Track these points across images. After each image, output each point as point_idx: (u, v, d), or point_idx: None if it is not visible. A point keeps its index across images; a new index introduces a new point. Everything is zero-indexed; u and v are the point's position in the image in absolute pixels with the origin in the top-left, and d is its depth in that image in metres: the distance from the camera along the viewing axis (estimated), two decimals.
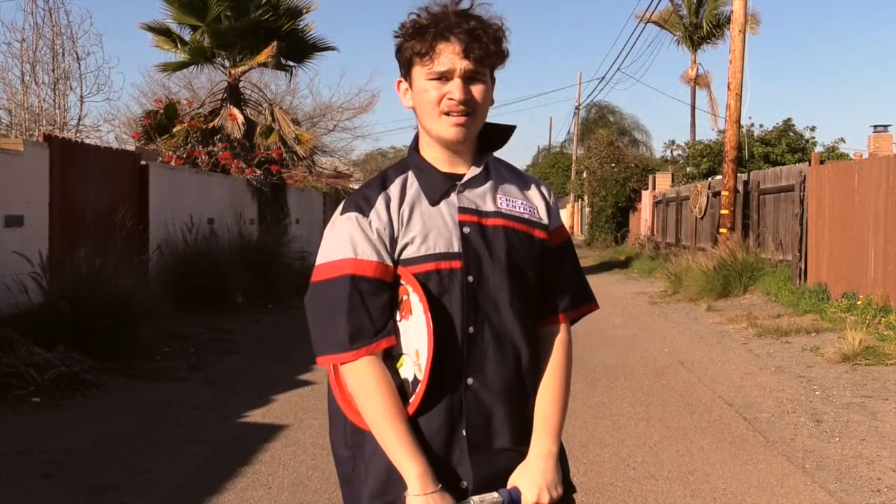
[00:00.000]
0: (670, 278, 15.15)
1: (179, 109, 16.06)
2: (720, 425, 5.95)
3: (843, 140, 22.14)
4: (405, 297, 1.80)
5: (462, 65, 1.80)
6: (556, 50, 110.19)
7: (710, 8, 33.27)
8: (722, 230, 15.45)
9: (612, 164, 29.75)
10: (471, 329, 1.81)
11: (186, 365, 7.99)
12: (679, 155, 27.20)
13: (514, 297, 1.85)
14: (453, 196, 1.86)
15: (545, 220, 1.94)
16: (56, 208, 9.16)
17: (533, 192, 1.96)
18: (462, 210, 1.84)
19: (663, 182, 26.58)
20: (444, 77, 1.81)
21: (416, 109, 1.88)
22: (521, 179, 1.98)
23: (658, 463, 5.06)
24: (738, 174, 16.01)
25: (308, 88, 53.06)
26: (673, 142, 47.18)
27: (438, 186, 1.86)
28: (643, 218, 27.80)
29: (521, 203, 1.92)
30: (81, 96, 13.72)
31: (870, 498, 4.49)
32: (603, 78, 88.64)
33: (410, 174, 1.88)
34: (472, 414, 1.81)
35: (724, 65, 47.80)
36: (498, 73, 1.92)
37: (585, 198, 34.49)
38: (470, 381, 1.81)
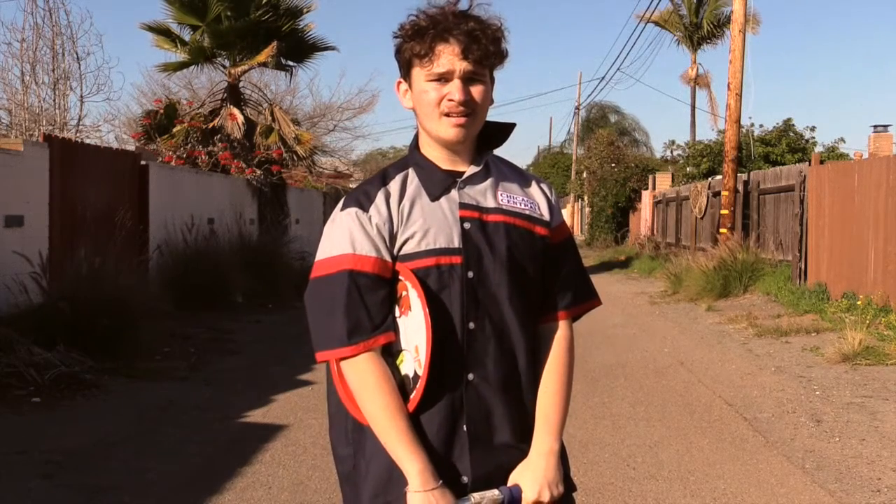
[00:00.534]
0: (670, 278, 15.15)
1: (179, 109, 16.05)
2: (720, 425, 5.95)
3: (843, 140, 22.18)
4: (404, 293, 1.80)
5: (461, 66, 1.80)
6: (556, 50, 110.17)
7: (711, 8, 33.27)
8: (722, 230, 15.45)
9: (612, 164, 29.75)
10: (471, 324, 1.81)
11: (186, 365, 7.99)
12: (679, 155, 27.21)
13: (513, 293, 1.85)
14: (454, 192, 1.86)
15: (547, 217, 1.95)
16: (56, 208, 9.16)
17: (534, 189, 1.97)
18: (463, 206, 1.85)
19: (663, 182, 26.59)
20: (444, 78, 1.81)
21: (415, 110, 1.88)
22: (522, 177, 1.98)
23: (658, 463, 5.06)
24: (738, 174, 16.02)
25: (308, 88, 53.07)
26: (673, 142, 47.21)
27: (439, 183, 1.86)
28: (643, 218, 27.80)
29: (522, 199, 1.92)
30: (81, 96, 13.73)
31: (870, 498, 4.49)
32: (603, 78, 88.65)
33: (411, 171, 1.89)
34: (473, 409, 1.81)
35: (724, 65, 47.81)
36: (498, 73, 1.92)
37: (585, 198, 34.50)
38: (470, 376, 1.81)
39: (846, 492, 4.57)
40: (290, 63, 16.86)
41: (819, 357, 8.18)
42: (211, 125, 15.47)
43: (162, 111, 15.60)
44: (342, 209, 1.85)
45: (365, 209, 1.82)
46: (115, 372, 7.23)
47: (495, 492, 1.78)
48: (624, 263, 22.32)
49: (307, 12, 16.36)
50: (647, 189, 28.01)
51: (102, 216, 9.91)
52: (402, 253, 1.81)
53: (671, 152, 29.99)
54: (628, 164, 29.94)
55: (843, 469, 4.96)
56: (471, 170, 1.88)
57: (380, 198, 1.83)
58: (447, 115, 1.82)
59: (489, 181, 1.90)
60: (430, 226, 1.82)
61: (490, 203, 1.88)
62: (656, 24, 32.97)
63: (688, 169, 23.67)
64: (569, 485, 1.92)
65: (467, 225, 1.84)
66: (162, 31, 15.76)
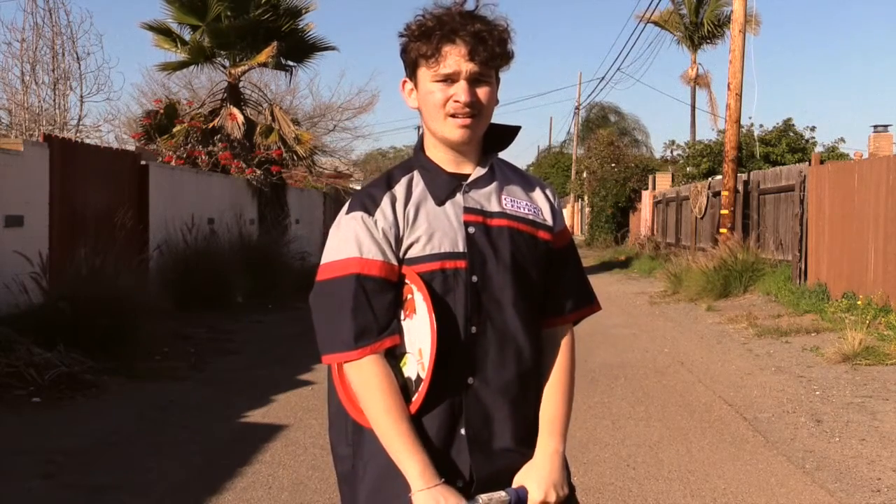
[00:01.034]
0: (670, 278, 15.15)
1: (179, 109, 16.04)
2: (720, 425, 5.95)
3: (843, 140, 22.18)
4: (409, 296, 1.81)
5: (467, 67, 1.80)
6: (556, 50, 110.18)
7: (711, 8, 33.27)
8: (722, 230, 15.45)
9: (612, 164, 29.74)
10: (473, 329, 1.82)
11: (186, 365, 7.99)
12: (679, 155, 27.20)
13: (517, 298, 1.86)
14: (459, 196, 1.86)
15: (549, 222, 1.95)
16: (56, 208, 9.16)
17: (537, 194, 1.97)
18: (467, 210, 1.85)
19: (663, 182, 26.58)
20: (450, 79, 1.82)
21: (421, 110, 1.88)
22: (526, 181, 1.98)
23: (658, 463, 5.06)
24: (738, 174, 16.02)
25: (308, 88, 53.06)
26: (673, 142, 47.25)
27: (444, 186, 1.86)
28: (643, 218, 27.80)
29: (526, 204, 1.93)
30: (81, 96, 13.74)
31: (870, 498, 4.49)
32: (603, 78, 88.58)
33: (416, 174, 1.89)
34: (472, 413, 1.81)
35: (724, 65, 47.78)
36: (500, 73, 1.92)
37: (585, 198, 34.50)
38: (471, 380, 1.81)
39: (846, 492, 4.57)
40: (290, 63, 16.85)
41: (819, 357, 8.18)
42: (211, 125, 15.47)
43: (162, 111, 15.59)
44: (347, 212, 1.85)
45: (371, 213, 1.82)
46: (115, 372, 7.23)
47: (502, 493, 1.78)
48: (624, 263, 22.32)
49: (307, 12, 16.37)
50: (647, 189, 28.01)
51: (102, 216, 9.91)
52: (407, 256, 1.81)
53: (671, 152, 30.00)
54: (628, 164, 29.93)
55: (843, 469, 4.96)
56: (476, 172, 1.89)
57: (385, 202, 1.83)
58: (453, 115, 1.83)
59: (494, 185, 1.91)
60: (435, 230, 1.82)
61: (494, 207, 1.88)
62: (656, 24, 32.97)
63: (688, 169, 23.67)
64: (570, 487, 1.93)
65: (472, 230, 1.84)
66: (162, 31, 15.75)
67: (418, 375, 1.78)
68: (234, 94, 15.92)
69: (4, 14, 53.04)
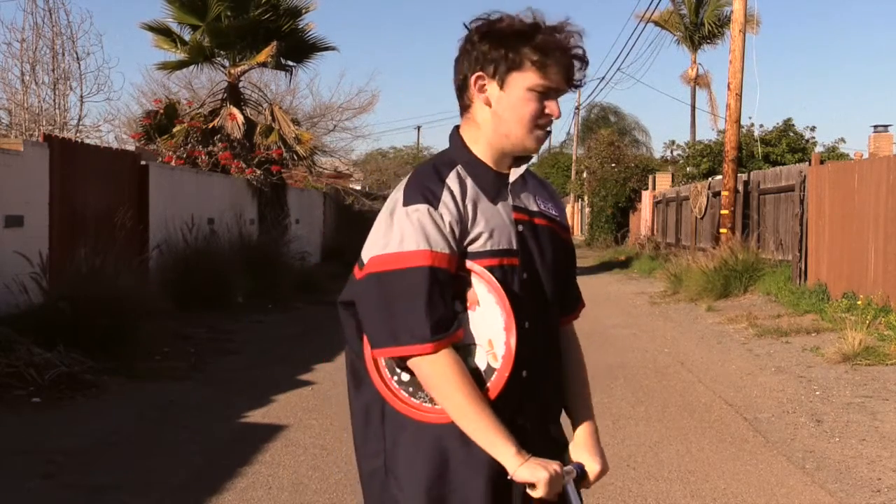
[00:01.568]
0: (670, 278, 15.14)
1: (179, 109, 16.04)
2: (720, 425, 5.95)
3: (843, 140, 22.17)
4: (469, 289, 1.84)
5: (564, 86, 1.88)
6: None
7: (711, 8, 33.27)
8: (722, 230, 15.45)
9: (613, 164, 29.74)
10: (526, 324, 1.85)
11: (186, 365, 7.99)
12: (679, 155, 27.20)
13: (554, 295, 1.96)
14: (507, 194, 1.92)
15: (566, 224, 2.07)
16: (56, 208, 9.16)
17: (554, 196, 2.07)
18: (516, 209, 1.91)
19: (663, 182, 26.58)
20: (551, 92, 1.86)
21: (496, 112, 1.88)
22: (543, 183, 2.08)
23: (658, 463, 5.06)
24: (738, 174, 16.01)
25: (308, 88, 53.02)
26: (673, 142, 47.23)
27: (493, 184, 1.91)
28: (643, 218, 27.79)
29: (553, 205, 2.03)
30: (81, 96, 13.73)
31: (870, 498, 4.49)
32: (603, 78, 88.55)
33: (461, 169, 1.90)
34: (528, 405, 1.89)
35: (724, 65, 47.75)
36: None
37: (585, 198, 34.50)
38: (524, 373, 1.87)
39: (846, 492, 4.57)
40: (290, 63, 16.84)
41: (819, 357, 8.18)
42: (211, 125, 15.46)
43: (162, 111, 15.58)
44: (407, 204, 1.82)
45: (435, 206, 1.82)
46: (115, 372, 7.23)
47: (570, 467, 1.90)
48: (624, 263, 22.31)
49: (307, 12, 16.35)
50: (647, 189, 28.00)
51: (102, 216, 9.91)
52: (469, 251, 1.84)
53: (671, 152, 30.01)
54: (628, 164, 29.93)
55: (843, 469, 4.96)
56: (515, 174, 1.93)
57: (446, 195, 1.84)
58: (539, 127, 1.88)
59: (529, 186, 1.98)
60: (494, 227, 1.86)
61: (534, 207, 1.96)
62: (656, 24, 32.96)
63: (688, 169, 23.67)
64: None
65: (521, 227, 1.90)
66: (162, 31, 15.75)
67: (489, 366, 1.82)
68: (234, 94, 15.92)
69: (4, 14, 53.05)
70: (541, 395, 1.92)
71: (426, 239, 1.79)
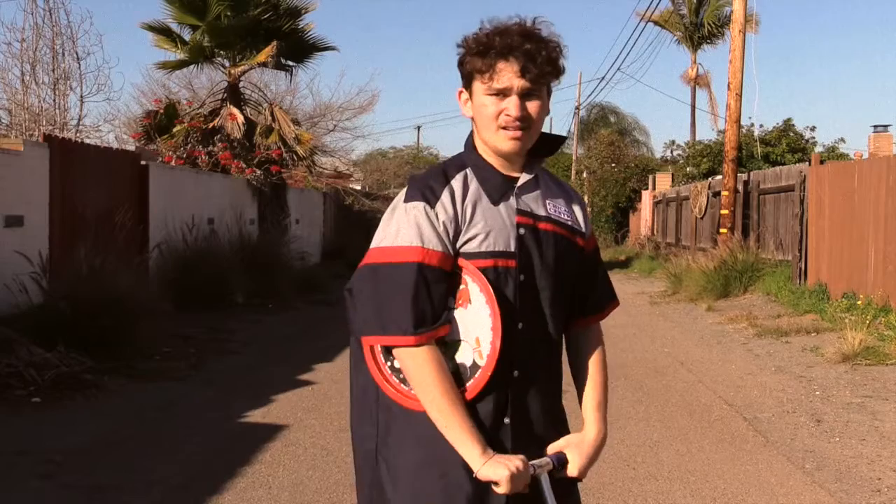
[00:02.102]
0: (670, 278, 15.15)
1: (179, 109, 16.04)
2: (720, 425, 5.95)
3: (843, 140, 22.17)
4: (462, 287, 1.91)
5: (519, 83, 1.91)
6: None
7: (711, 8, 33.28)
8: (722, 230, 15.45)
9: (612, 164, 29.74)
10: (520, 325, 1.92)
11: (186, 365, 7.99)
12: (679, 155, 27.22)
13: (554, 298, 2.00)
14: (511, 198, 1.97)
15: (584, 229, 2.10)
16: (56, 208, 9.16)
17: (573, 202, 2.11)
18: (519, 212, 1.97)
19: (663, 182, 26.58)
20: (503, 93, 1.92)
21: (475, 119, 2.00)
22: (562, 188, 2.13)
23: (658, 463, 5.06)
24: (738, 174, 16.01)
25: (308, 88, 53.00)
26: (673, 142, 47.24)
27: (499, 187, 1.98)
28: (643, 218, 27.79)
29: (566, 211, 2.07)
30: (81, 96, 13.73)
31: (870, 498, 4.49)
32: (603, 78, 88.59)
33: (469, 171, 1.98)
34: (516, 405, 1.94)
35: (724, 65, 47.75)
36: None
37: (585, 198, 34.48)
38: (516, 373, 1.93)
39: (846, 492, 4.57)
40: (290, 63, 16.84)
41: (819, 357, 8.18)
42: (211, 125, 15.46)
43: (162, 111, 15.59)
44: (407, 201, 1.92)
45: (432, 205, 1.90)
46: (115, 372, 7.23)
47: (546, 458, 1.94)
48: (624, 263, 22.32)
49: (307, 12, 16.36)
50: (647, 189, 28.00)
51: (102, 216, 9.91)
52: (463, 251, 1.91)
53: (671, 152, 30.02)
54: (628, 164, 29.93)
55: (843, 469, 4.96)
56: (524, 177, 2.00)
57: (445, 195, 1.92)
58: (504, 128, 1.94)
59: (539, 190, 2.03)
60: (491, 228, 1.92)
61: (541, 211, 2.00)
62: (656, 23, 32.97)
63: (688, 169, 23.67)
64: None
65: (522, 231, 1.96)
66: (162, 31, 15.75)
67: (474, 363, 1.89)
68: (234, 94, 15.92)
69: (4, 14, 53.03)
70: (533, 396, 1.97)
71: (419, 235, 1.87)
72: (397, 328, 1.84)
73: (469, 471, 1.85)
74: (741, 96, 15.39)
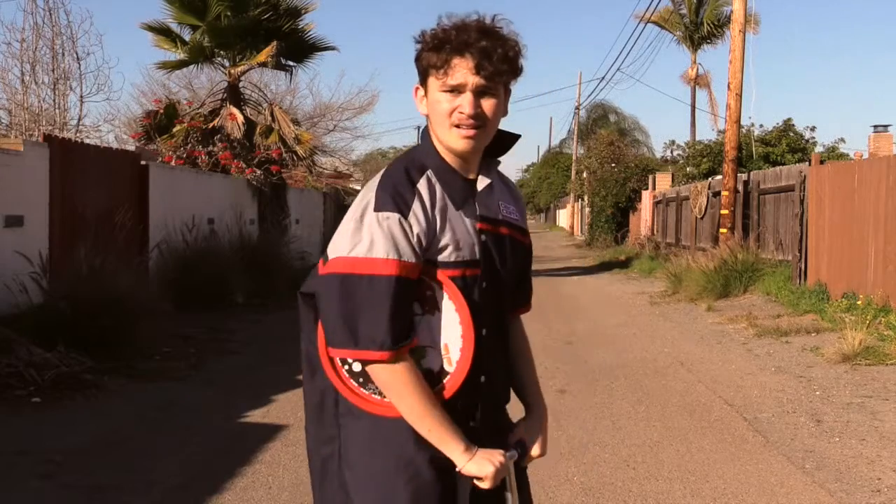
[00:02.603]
0: (670, 278, 15.14)
1: (179, 109, 16.05)
2: (720, 425, 5.95)
3: (843, 140, 22.12)
4: (429, 293, 1.89)
5: (473, 80, 1.87)
6: (557, 50, 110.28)
7: (711, 7, 33.28)
8: (722, 230, 15.45)
9: (612, 164, 29.72)
10: (484, 331, 1.93)
11: (186, 365, 7.99)
12: (679, 155, 27.20)
13: (508, 300, 2.05)
14: (472, 203, 1.95)
15: (526, 226, 2.12)
16: (56, 208, 9.16)
17: (517, 199, 2.12)
18: (481, 219, 1.95)
19: (663, 182, 26.56)
20: (457, 90, 1.89)
21: (429, 117, 1.95)
22: (508, 186, 2.13)
23: (658, 463, 5.06)
24: (738, 174, 16.01)
25: (308, 88, 53.05)
26: (673, 142, 47.26)
27: (460, 192, 1.94)
28: (643, 218, 27.78)
29: (514, 210, 2.07)
30: (81, 96, 13.72)
31: (870, 498, 4.49)
32: (603, 78, 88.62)
33: (431, 174, 1.93)
34: (484, 408, 1.97)
35: (724, 65, 47.78)
36: None
37: (585, 198, 34.48)
38: (482, 378, 1.94)
39: (846, 492, 4.57)
40: (290, 63, 16.85)
41: (819, 357, 8.18)
42: (211, 125, 15.47)
43: (162, 111, 15.59)
44: (379, 210, 1.85)
45: (405, 215, 1.85)
46: (115, 372, 7.23)
47: (513, 451, 2.01)
48: (624, 263, 22.31)
49: (307, 12, 16.38)
50: (647, 189, 27.99)
51: (102, 216, 9.91)
52: (433, 259, 1.88)
53: (671, 152, 29.98)
54: (628, 164, 29.90)
55: (843, 469, 4.96)
56: (483, 181, 1.98)
57: (417, 205, 1.87)
58: (457, 126, 1.90)
59: (496, 192, 2.01)
60: (460, 238, 1.90)
61: (499, 215, 2.00)
62: (656, 23, 32.97)
63: (688, 169, 23.66)
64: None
65: (484, 238, 1.95)
66: (162, 31, 15.76)
67: (442, 368, 1.89)
68: (234, 94, 15.92)
69: (4, 14, 53.07)
70: (496, 397, 2.03)
71: (396, 248, 1.82)
72: (372, 342, 1.80)
73: (438, 470, 1.87)
74: (741, 96, 15.39)
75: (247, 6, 15.29)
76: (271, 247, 14.49)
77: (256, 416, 6.19)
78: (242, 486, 4.60)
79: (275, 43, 15.28)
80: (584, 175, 32.69)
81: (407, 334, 1.84)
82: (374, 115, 59.89)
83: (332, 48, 17.20)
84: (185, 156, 15.02)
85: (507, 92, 1.96)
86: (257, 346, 9.36)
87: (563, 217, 56.94)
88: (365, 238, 1.83)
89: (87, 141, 12.86)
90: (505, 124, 2.03)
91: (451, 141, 1.91)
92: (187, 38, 15.78)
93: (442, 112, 1.90)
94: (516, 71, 1.93)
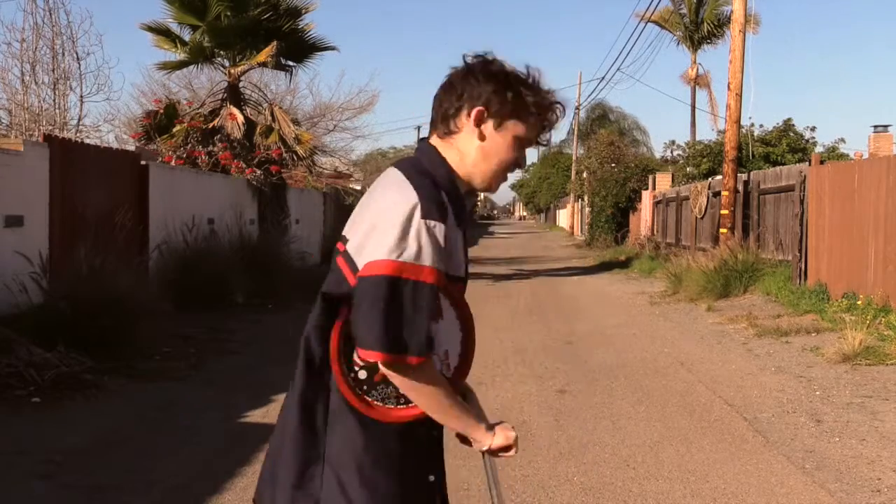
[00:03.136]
0: (670, 278, 15.14)
1: (179, 109, 16.04)
2: (720, 425, 5.95)
3: (843, 140, 22.07)
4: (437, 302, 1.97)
5: (535, 143, 2.06)
6: (557, 50, 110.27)
7: (711, 7, 33.28)
8: (722, 230, 15.44)
9: (612, 164, 29.72)
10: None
11: (186, 365, 7.99)
12: (679, 155, 27.18)
13: None
14: (465, 225, 2.05)
15: None
16: (56, 208, 9.16)
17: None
18: (465, 237, 2.04)
19: (663, 182, 26.57)
20: (528, 144, 2.01)
21: (484, 147, 1.97)
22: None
23: (658, 463, 5.06)
24: (738, 174, 16.01)
25: (308, 88, 53.05)
26: (673, 142, 47.29)
27: (462, 214, 2.01)
28: (643, 218, 27.79)
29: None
30: (81, 96, 13.74)
31: (870, 498, 4.49)
32: (603, 78, 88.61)
33: (444, 195, 1.95)
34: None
35: (724, 65, 47.76)
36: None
37: (585, 198, 34.49)
38: (462, 386, 2.09)
39: (846, 492, 4.57)
40: (290, 63, 16.85)
41: (819, 357, 8.18)
42: (211, 125, 15.46)
43: (162, 111, 15.59)
44: (426, 217, 1.84)
45: (447, 226, 1.88)
46: (115, 372, 7.23)
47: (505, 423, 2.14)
48: (624, 264, 22.31)
49: (307, 12, 16.37)
50: (647, 189, 27.99)
51: (102, 216, 9.91)
52: (446, 272, 1.93)
53: (671, 152, 29.96)
54: (628, 164, 29.90)
55: (843, 469, 4.96)
56: (469, 205, 2.11)
57: (450, 218, 1.91)
58: (506, 173, 2.03)
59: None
60: (462, 255, 2.00)
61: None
62: (656, 23, 32.97)
63: (688, 169, 23.65)
64: None
65: (468, 257, 2.08)
66: (162, 31, 15.75)
67: (441, 373, 1.96)
68: (234, 94, 15.92)
69: (4, 14, 53.10)
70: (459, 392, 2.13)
71: (439, 258, 1.86)
72: (418, 347, 1.83)
73: (426, 471, 1.99)
74: (741, 96, 15.39)
75: (247, 6, 15.28)
76: (271, 247, 14.49)
77: (256, 416, 6.19)
78: (242, 486, 4.60)
79: (275, 43, 15.28)
80: (584, 175, 32.69)
81: (433, 340, 1.90)
82: (374, 115, 59.98)
83: (332, 48, 17.21)
84: (185, 156, 15.02)
85: None
86: (257, 346, 9.36)
87: (563, 217, 56.96)
88: (412, 244, 1.82)
89: (87, 141, 12.87)
90: None
91: (492, 182, 2.01)
92: (187, 38, 15.78)
93: (506, 157, 1.97)
94: None
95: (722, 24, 31.99)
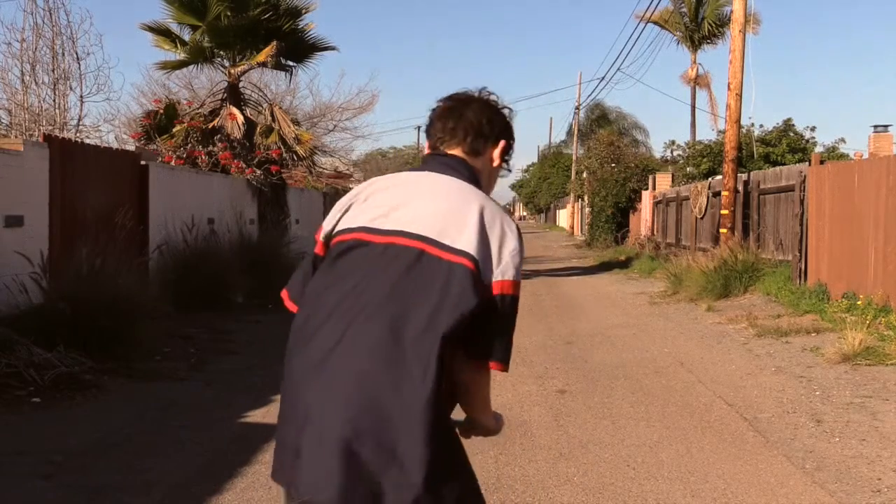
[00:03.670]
0: (670, 278, 15.14)
1: (179, 109, 16.04)
2: (720, 425, 5.95)
3: (843, 140, 22.06)
4: None
5: None
6: (557, 50, 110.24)
7: (711, 7, 33.29)
8: (722, 230, 15.44)
9: (612, 164, 29.72)
10: None
11: (186, 365, 7.99)
12: (679, 155, 27.17)
13: None
14: None
15: None
16: (56, 208, 9.15)
17: None
18: None
19: (663, 182, 26.57)
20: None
21: (492, 172, 2.32)
22: None
23: (658, 463, 5.06)
24: (738, 174, 16.01)
25: (308, 88, 53.04)
26: (673, 142, 47.23)
27: None
28: (643, 218, 27.79)
29: None
30: (81, 96, 13.70)
31: (870, 498, 4.49)
32: (603, 78, 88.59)
33: None
34: None
35: (724, 65, 47.79)
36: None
37: (585, 198, 34.48)
38: None
39: (846, 492, 4.57)
40: (290, 63, 16.84)
41: (819, 357, 8.18)
42: (211, 125, 15.46)
43: (162, 111, 15.59)
44: (515, 230, 2.11)
45: None
46: (115, 372, 7.23)
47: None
48: (624, 264, 22.31)
49: (307, 12, 16.36)
50: (647, 189, 28.00)
51: (102, 216, 9.91)
52: None
53: (671, 152, 29.95)
54: (628, 164, 29.90)
55: (843, 469, 4.96)
56: None
57: None
58: None
59: None
60: None
61: None
62: (656, 23, 32.98)
63: (688, 169, 23.65)
64: None
65: None
66: (162, 31, 15.75)
67: None
68: (233, 94, 15.92)
69: (4, 14, 53.08)
70: None
71: None
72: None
73: None
74: (741, 96, 15.39)
75: (247, 6, 15.28)
76: (271, 247, 14.48)
77: (256, 416, 6.19)
78: (242, 486, 4.60)
79: (275, 43, 15.27)
80: (584, 175, 32.69)
81: None
82: (374, 115, 60.01)
83: (332, 48, 17.20)
84: (185, 156, 15.01)
85: None
86: (257, 346, 9.36)
87: (563, 217, 56.96)
88: (520, 263, 2.09)
89: (87, 141, 12.85)
90: None
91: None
92: (187, 38, 15.78)
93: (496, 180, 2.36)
94: None
95: (722, 23, 32.00)
